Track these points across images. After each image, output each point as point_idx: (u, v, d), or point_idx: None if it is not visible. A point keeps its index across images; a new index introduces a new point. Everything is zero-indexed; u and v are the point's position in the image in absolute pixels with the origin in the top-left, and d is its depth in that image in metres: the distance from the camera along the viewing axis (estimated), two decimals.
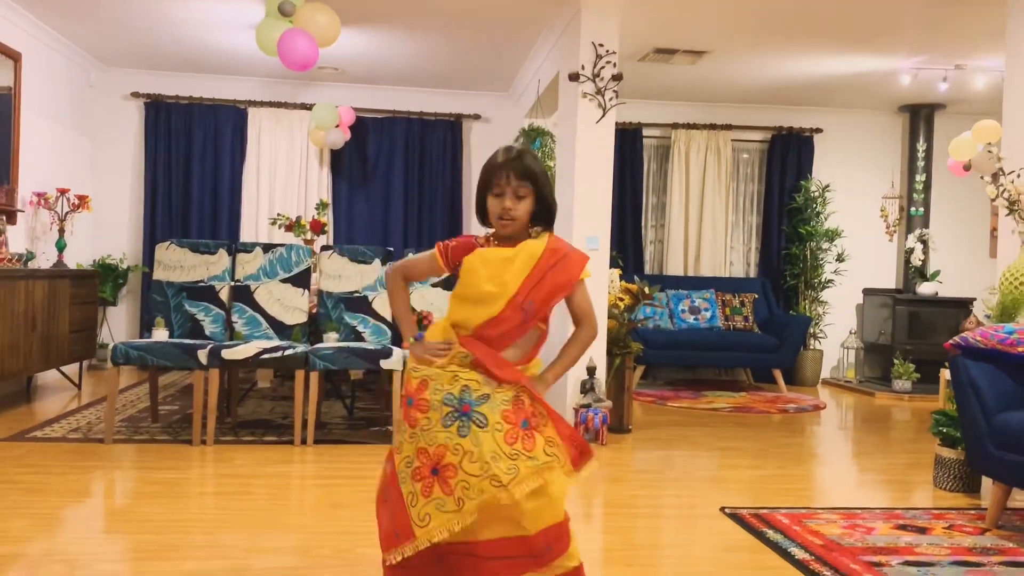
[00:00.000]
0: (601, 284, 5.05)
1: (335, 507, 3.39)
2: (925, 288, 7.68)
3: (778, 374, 7.28)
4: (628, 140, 7.94)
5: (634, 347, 5.17)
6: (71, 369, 6.23)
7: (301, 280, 5.05)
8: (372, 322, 5.04)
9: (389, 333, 5.05)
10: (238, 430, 4.78)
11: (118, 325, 7.52)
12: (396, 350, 4.56)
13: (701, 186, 8.04)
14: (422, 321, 4.74)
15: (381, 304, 5.09)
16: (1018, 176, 4.04)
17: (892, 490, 4.06)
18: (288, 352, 4.48)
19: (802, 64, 6.75)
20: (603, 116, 5.13)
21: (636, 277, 5.56)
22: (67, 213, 6.34)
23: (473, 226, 7.87)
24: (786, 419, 5.96)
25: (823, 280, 7.96)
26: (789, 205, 8.08)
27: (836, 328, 8.15)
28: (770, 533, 3.13)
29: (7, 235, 5.61)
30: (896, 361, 7.25)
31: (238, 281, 5.00)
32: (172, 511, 3.27)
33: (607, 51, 5.10)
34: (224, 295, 4.98)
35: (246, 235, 7.54)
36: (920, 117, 7.98)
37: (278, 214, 6.93)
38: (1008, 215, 4.15)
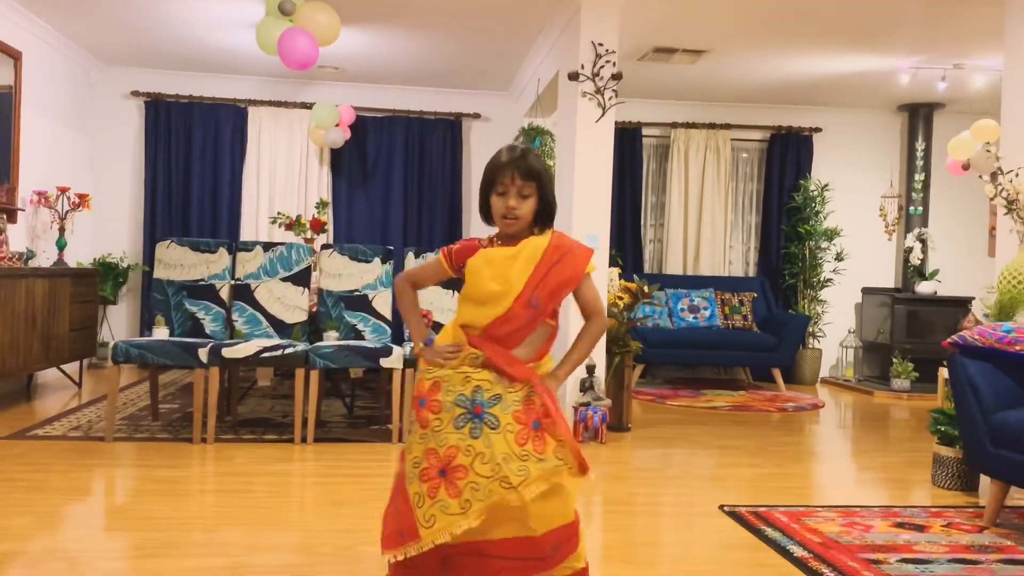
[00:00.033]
0: (600, 283, 5.05)
1: (335, 505, 3.40)
2: (924, 287, 7.69)
3: (777, 373, 7.29)
4: (627, 139, 7.95)
5: (633, 346, 5.18)
6: (71, 367, 6.24)
7: (301, 279, 5.06)
8: (372, 321, 5.05)
9: (389, 332, 5.06)
10: (238, 428, 4.79)
11: (118, 324, 7.53)
12: (396, 348, 4.57)
13: (700, 185, 8.05)
14: (423, 319, 4.75)
15: (381, 303, 5.10)
16: (1016, 175, 4.06)
17: (890, 488, 4.07)
18: (288, 351, 4.49)
19: (801, 63, 6.76)
20: (603, 115, 5.14)
21: (635, 276, 5.58)
22: (67, 212, 6.35)
23: (473, 225, 7.89)
24: (785, 418, 5.97)
25: (822, 279, 7.97)
26: (788, 204, 8.09)
27: (835, 327, 8.17)
28: (769, 531, 3.15)
29: (7, 234, 5.62)
30: (895, 360, 7.26)
31: (238, 280, 5.01)
32: (172, 509, 3.27)
33: (607, 50, 5.11)
34: (224, 294, 4.99)
35: (246, 234, 7.55)
36: (919, 116, 7.99)
37: (278, 213, 6.94)
38: (1006, 214, 4.16)
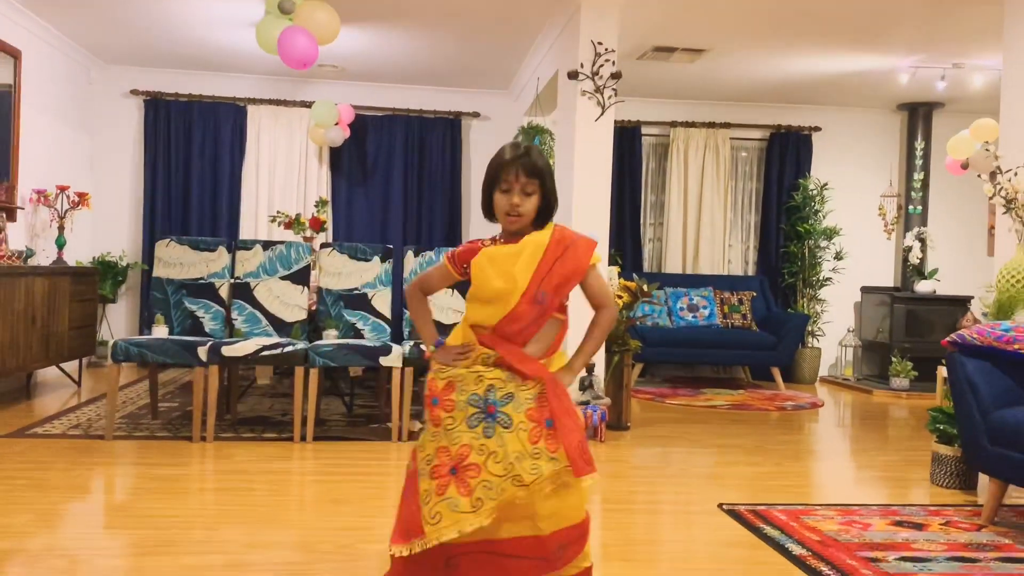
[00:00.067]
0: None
1: (335, 503, 3.40)
2: (923, 286, 7.70)
3: (776, 372, 7.30)
4: (627, 138, 7.95)
5: (633, 344, 5.19)
6: (71, 366, 6.24)
7: (301, 277, 5.06)
8: (371, 319, 5.05)
9: (388, 330, 5.06)
10: (238, 427, 4.80)
11: (117, 322, 7.53)
12: (395, 347, 4.57)
13: (700, 184, 8.06)
14: None
15: (380, 301, 5.11)
16: (1015, 174, 4.06)
17: (889, 487, 4.08)
18: (288, 349, 4.50)
19: (800, 63, 6.77)
20: (602, 114, 5.15)
21: (635, 275, 5.59)
22: (67, 210, 6.35)
23: (473, 223, 7.90)
24: (784, 416, 5.97)
25: (821, 278, 7.98)
26: (787, 203, 8.10)
27: (834, 326, 8.18)
28: (767, 529, 3.15)
29: (7, 232, 5.62)
30: (894, 359, 7.27)
31: (238, 278, 5.01)
32: (172, 507, 3.28)
33: (606, 49, 5.11)
34: (224, 292, 4.99)
35: (245, 232, 7.55)
36: (918, 116, 8.00)
37: (278, 211, 6.94)
38: (1005, 213, 4.16)
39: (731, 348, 7.28)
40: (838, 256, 7.97)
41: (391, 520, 3.16)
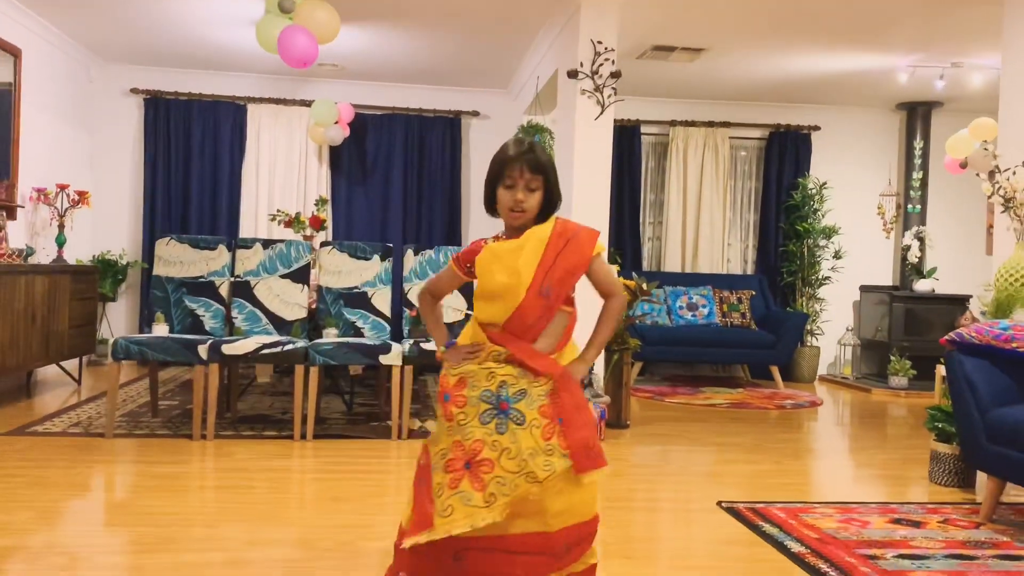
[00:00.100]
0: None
1: (335, 501, 3.41)
2: (922, 285, 7.71)
3: (775, 370, 7.31)
4: (626, 137, 7.96)
5: (632, 343, 5.20)
6: (71, 364, 6.25)
7: (301, 276, 5.07)
8: (371, 318, 5.06)
9: (388, 329, 5.07)
10: (238, 425, 4.80)
11: (117, 321, 7.53)
12: (395, 345, 4.58)
13: (699, 183, 8.06)
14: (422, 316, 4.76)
15: (380, 300, 5.11)
16: (1013, 173, 4.07)
17: (888, 485, 4.09)
18: (288, 347, 4.51)
19: (800, 62, 6.77)
20: (601, 113, 5.16)
21: (634, 273, 5.60)
22: (67, 209, 6.36)
23: (472, 222, 7.91)
24: (783, 415, 5.98)
25: (820, 277, 7.99)
26: (787, 202, 8.11)
27: (833, 325, 8.19)
28: (766, 527, 3.16)
29: (7, 231, 5.63)
30: (892, 358, 7.28)
31: (238, 277, 5.02)
32: (172, 505, 3.29)
33: (606, 48, 5.12)
34: (224, 291, 5.00)
35: (245, 231, 7.56)
36: (917, 115, 8.00)
37: (277, 210, 6.94)
38: (1003, 212, 4.17)
39: (730, 347, 7.28)
40: (837, 255, 7.98)
41: (391, 518, 3.19)
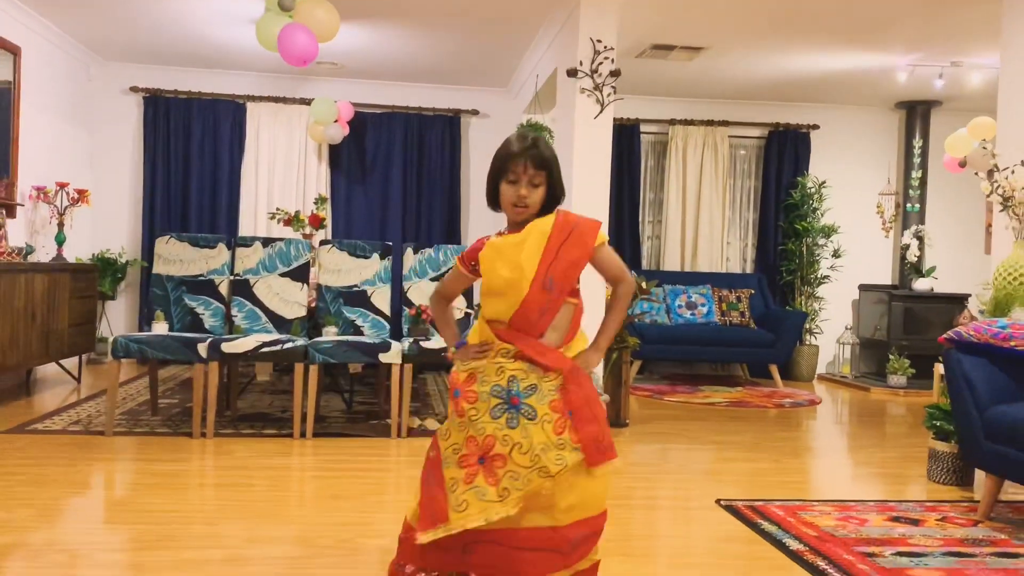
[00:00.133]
0: (598, 279, 5.06)
1: (335, 498, 3.42)
2: (921, 284, 7.72)
3: (774, 369, 7.32)
4: (626, 136, 7.97)
5: (631, 342, 5.21)
6: (70, 363, 6.25)
7: (300, 274, 5.07)
8: (371, 316, 5.06)
9: (388, 327, 5.07)
10: (237, 423, 4.81)
11: (117, 319, 7.54)
12: (394, 344, 4.59)
13: (698, 182, 8.07)
14: (421, 315, 4.76)
15: (380, 298, 5.12)
16: (1012, 172, 4.07)
17: (886, 483, 4.10)
18: (287, 346, 4.51)
19: (799, 61, 6.78)
20: (601, 112, 5.16)
21: (633, 272, 5.59)
22: (66, 207, 6.36)
23: (472, 220, 7.91)
24: (782, 414, 5.99)
25: (819, 276, 8.00)
26: (786, 201, 8.11)
27: (832, 324, 8.20)
28: (765, 524, 3.17)
29: (7, 229, 5.63)
30: (891, 356, 7.29)
31: (237, 275, 5.02)
32: (172, 502, 3.29)
33: (605, 47, 5.13)
34: (224, 289, 5.01)
35: (245, 229, 7.56)
36: (916, 114, 8.01)
37: (277, 208, 6.95)
38: (1002, 211, 4.17)
39: (729, 345, 7.29)
40: (836, 254, 7.99)
41: (391, 515, 3.20)
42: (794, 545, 2.93)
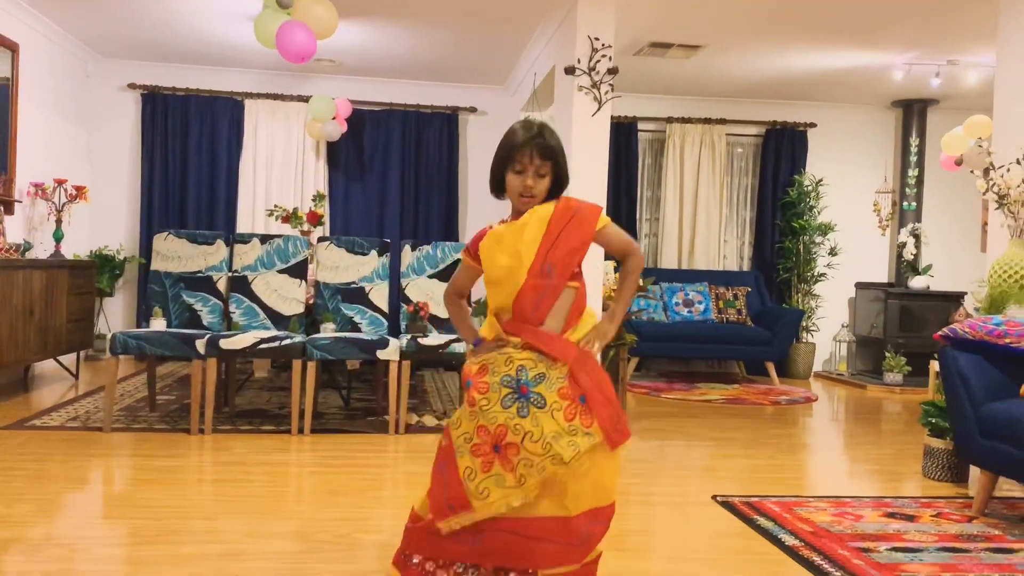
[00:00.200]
0: (596, 277, 5.09)
1: (333, 494, 3.43)
2: (917, 282, 7.74)
3: (771, 367, 7.34)
4: (623, 134, 7.98)
5: (628, 339, 5.22)
6: (68, 359, 6.25)
7: (298, 271, 5.08)
8: (369, 313, 5.07)
9: (386, 324, 5.08)
10: (235, 419, 4.82)
11: (114, 316, 7.54)
12: (392, 340, 4.60)
13: (695, 180, 8.08)
14: (419, 312, 4.77)
15: (378, 295, 5.13)
16: (1007, 171, 4.09)
17: (882, 480, 4.11)
18: (286, 342, 4.52)
19: (796, 59, 6.79)
20: (599, 109, 5.17)
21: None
22: (64, 204, 6.36)
23: (470, 217, 7.92)
24: (778, 411, 6.01)
25: (816, 274, 8.02)
26: (783, 199, 8.13)
27: (828, 321, 8.22)
28: (761, 520, 3.18)
29: (5, 225, 5.63)
30: (888, 354, 7.31)
31: (236, 272, 5.03)
32: (170, 497, 3.30)
33: (603, 45, 5.14)
34: (222, 286, 5.01)
35: (243, 226, 7.57)
36: (913, 112, 8.03)
37: (275, 205, 6.95)
38: (997, 209, 4.19)
39: (726, 343, 7.31)
40: (833, 252, 8.01)
41: (388, 511, 3.21)
42: (790, 540, 2.95)
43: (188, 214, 7.53)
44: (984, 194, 4.16)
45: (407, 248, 5.25)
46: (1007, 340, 3.32)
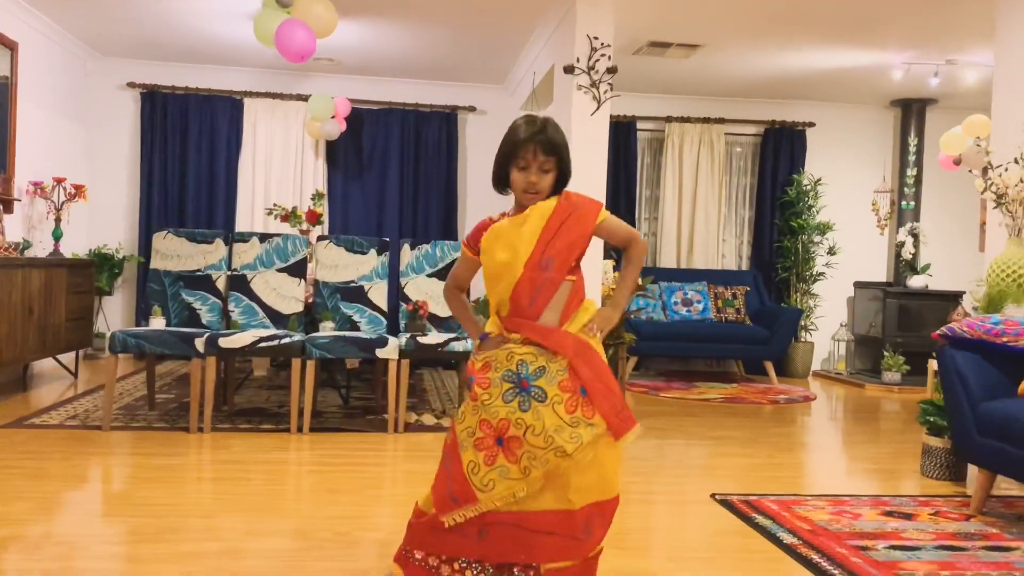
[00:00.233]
0: (595, 277, 5.09)
1: (332, 492, 3.43)
2: (915, 281, 7.75)
3: (769, 366, 7.34)
4: (622, 133, 7.98)
5: (627, 338, 5.23)
6: (67, 358, 6.25)
7: (297, 270, 5.08)
8: (368, 312, 5.08)
9: (385, 323, 5.09)
10: (235, 418, 4.82)
11: (113, 315, 7.54)
12: (391, 339, 4.60)
13: (694, 179, 8.09)
14: (418, 310, 4.78)
15: (377, 294, 5.13)
16: (1005, 170, 4.10)
17: (880, 478, 4.12)
18: (285, 341, 4.52)
19: (795, 58, 6.80)
20: (598, 109, 5.18)
21: None
22: (63, 202, 6.36)
23: (469, 216, 7.93)
24: (777, 410, 6.02)
25: (814, 273, 8.02)
26: (781, 198, 8.14)
27: (827, 320, 8.22)
28: (759, 518, 3.19)
29: (4, 224, 5.62)
30: (886, 353, 7.32)
31: (235, 270, 5.03)
32: (170, 496, 3.31)
33: (602, 44, 5.14)
34: (221, 284, 5.01)
35: (242, 225, 7.57)
36: (912, 112, 8.03)
37: (274, 204, 6.95)
38: (996, 208, 4.20)
39: (725, 342, 7.32)
40: (831, 251, 8.02)
41: (387, 509, 3.22)
42: (788, 539, 2.96)
43: (187, 213, 7.53)
44: (982, 193, 4.17)
45: (406, 247, 5.25)
46: (1005, 339, 3.32)
